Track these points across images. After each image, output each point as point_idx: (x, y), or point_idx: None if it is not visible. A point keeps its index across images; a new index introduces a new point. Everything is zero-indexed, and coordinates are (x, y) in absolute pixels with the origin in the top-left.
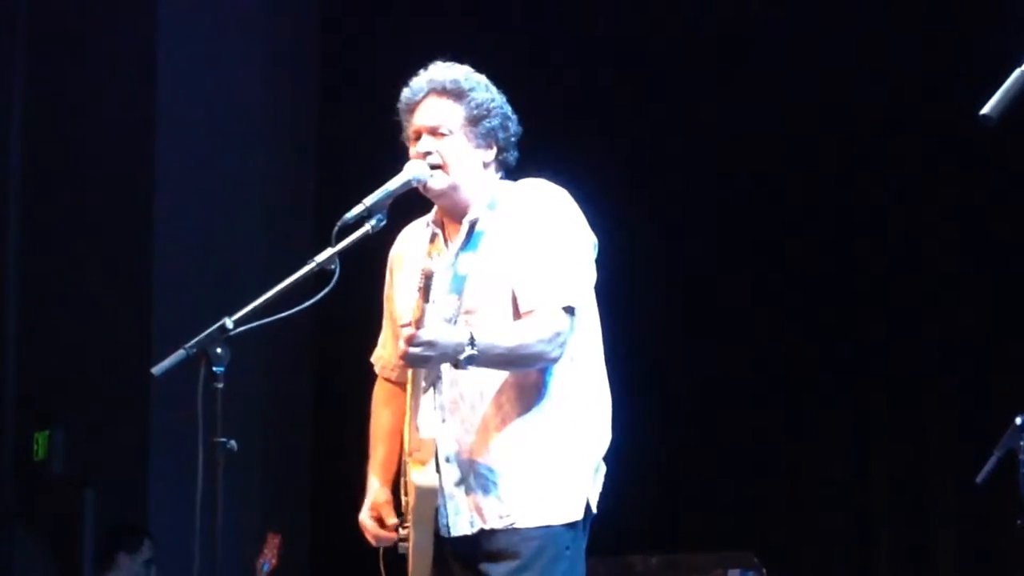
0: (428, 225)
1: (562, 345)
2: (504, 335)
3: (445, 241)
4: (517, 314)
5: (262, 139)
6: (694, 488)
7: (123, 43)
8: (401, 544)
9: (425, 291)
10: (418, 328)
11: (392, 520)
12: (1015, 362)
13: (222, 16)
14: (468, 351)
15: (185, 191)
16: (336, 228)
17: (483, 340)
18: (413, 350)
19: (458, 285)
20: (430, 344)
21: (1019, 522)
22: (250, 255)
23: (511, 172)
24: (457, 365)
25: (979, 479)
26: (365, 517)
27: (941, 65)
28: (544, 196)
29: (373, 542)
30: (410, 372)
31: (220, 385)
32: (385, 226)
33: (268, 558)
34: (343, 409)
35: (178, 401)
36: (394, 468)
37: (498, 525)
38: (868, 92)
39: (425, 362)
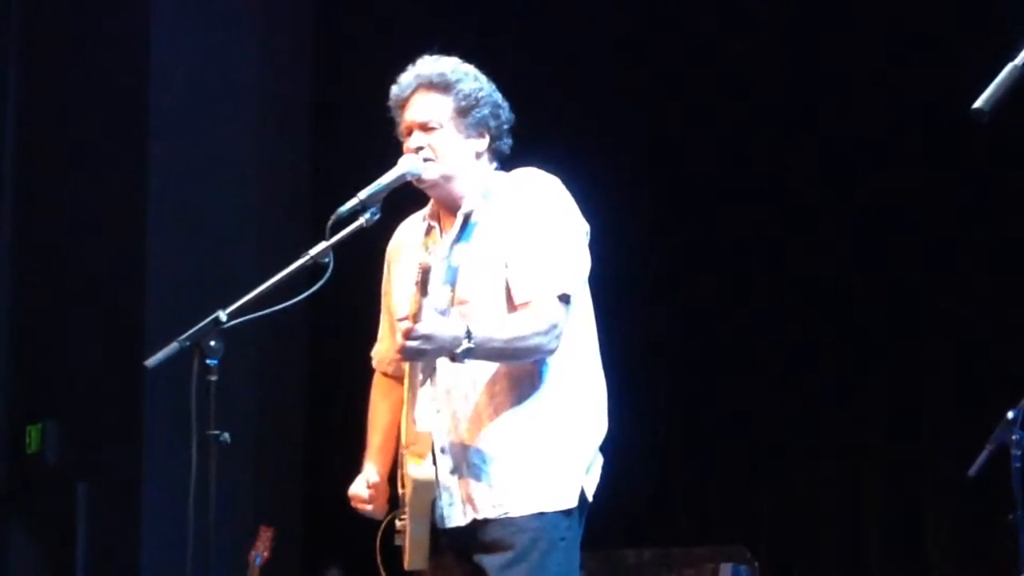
0: (424, 219)
1: (559, 336)
2: (501, 328)
3: (440, 233)
4: (511, 304)
5: (256, 132)
6: (687, 482)
7: (117, 40)
8: (397, 536)
9: (422, 285)
10: (415, 322)
11: (374, 479)
12: (1007, 356)
13: (216, 12)
14: (465, 345)
15: (178, 184)
16: (330, 221)
17: (480, 334)
18: (410, 344)
19: (451, 276)
20: (427, 338)
21: (1010, 516)
22: (244, 248)
23: (506, 161)
24: (454, 359)
25: (971, 473)
26: (353, 489)
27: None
28: (535, 184)
29: (368, 507)
30: (407, 366)
31: (214, 378)
32: (379, 220)
33: (261, 551)
34: (337, 402)
35: (171, 394)
36: (390, 457)
37: (491, 515)
38: (867, 91)
39: (422, 356)
